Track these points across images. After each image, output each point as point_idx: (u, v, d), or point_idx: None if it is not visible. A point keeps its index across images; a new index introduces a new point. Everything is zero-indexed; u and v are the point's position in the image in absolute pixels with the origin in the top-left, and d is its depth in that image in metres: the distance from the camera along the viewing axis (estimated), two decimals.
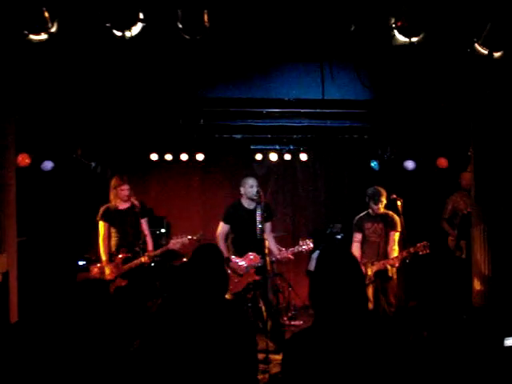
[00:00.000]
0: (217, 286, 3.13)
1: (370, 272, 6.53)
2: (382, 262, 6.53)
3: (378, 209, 6.65)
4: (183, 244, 6.38)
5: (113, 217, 6.55)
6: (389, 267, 6.53)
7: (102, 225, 6.56)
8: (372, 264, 6.53)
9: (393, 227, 6.65)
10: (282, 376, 2.42)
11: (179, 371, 2.88)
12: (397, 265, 6.54)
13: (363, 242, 6.81)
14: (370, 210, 6.76)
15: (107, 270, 6.34)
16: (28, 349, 2.95)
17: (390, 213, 6.71)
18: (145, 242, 6.65)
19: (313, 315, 2.56)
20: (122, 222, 6.54)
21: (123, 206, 6.60)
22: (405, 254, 6.40)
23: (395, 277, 6.66)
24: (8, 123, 5.72)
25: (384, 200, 6.65)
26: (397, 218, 6.64)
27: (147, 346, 3.08)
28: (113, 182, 6.64)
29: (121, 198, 6.55)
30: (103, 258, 6.46)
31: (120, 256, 6.37)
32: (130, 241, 6.51)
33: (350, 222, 8.41)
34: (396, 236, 6.65)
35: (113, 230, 6.56)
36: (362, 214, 6.88)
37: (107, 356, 2.88)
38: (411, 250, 6.33)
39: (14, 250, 5.74)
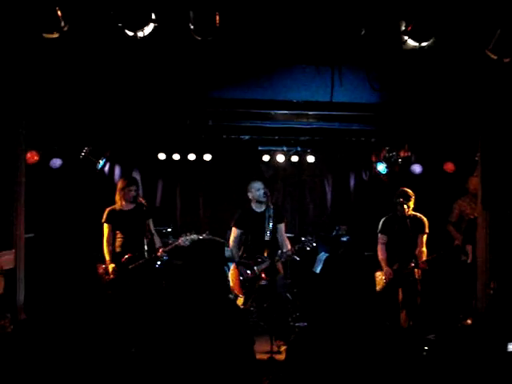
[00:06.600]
0: (213, 286, 3.12)
1: (391, 276, 6.57)
2: (411, 265, 6.53)
3: (405, 211, 6.59)
4: (193, 241, 6.37)
5: (118, 218, 6.53)
6: (416, 270, 6.53)
7: (106, 227, 6.55)
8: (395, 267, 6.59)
9: (421, 229, 6.64)
10: (283, 376, 2.42)
11: (176, 370, 2.89)
12: (426, 268, 6.56)
13: (389, 244, 6.77)
14: (398, 212, 6.70)
15: (110, 269, 6.38)
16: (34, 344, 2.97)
17: (418, 215, 6.70)
18: (152, 242, 6.62)
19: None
20: (127, 223, 6.51)
21: (128, 207, 6.57)
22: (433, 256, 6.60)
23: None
24: (18, 121, 5.76)
25: (411, 203, 6.60)
26: (425, 220, 6.65)
27: (146, 346, 3.09)
28: (120, 184, 6.63)
29: (127, 199, 6.51)
30: (107, 257, 6.47)
31: (125, 256, 6.37)
32: (134, 241, 6.49)
33: (355, 224, 8.45)
34: (424, 238, 6.65)
35: (117, 231, 6.55)
36: (388, 216, 6.84)
37: (109, 355, 2.90)
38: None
39: (21, 246, 5.80)
